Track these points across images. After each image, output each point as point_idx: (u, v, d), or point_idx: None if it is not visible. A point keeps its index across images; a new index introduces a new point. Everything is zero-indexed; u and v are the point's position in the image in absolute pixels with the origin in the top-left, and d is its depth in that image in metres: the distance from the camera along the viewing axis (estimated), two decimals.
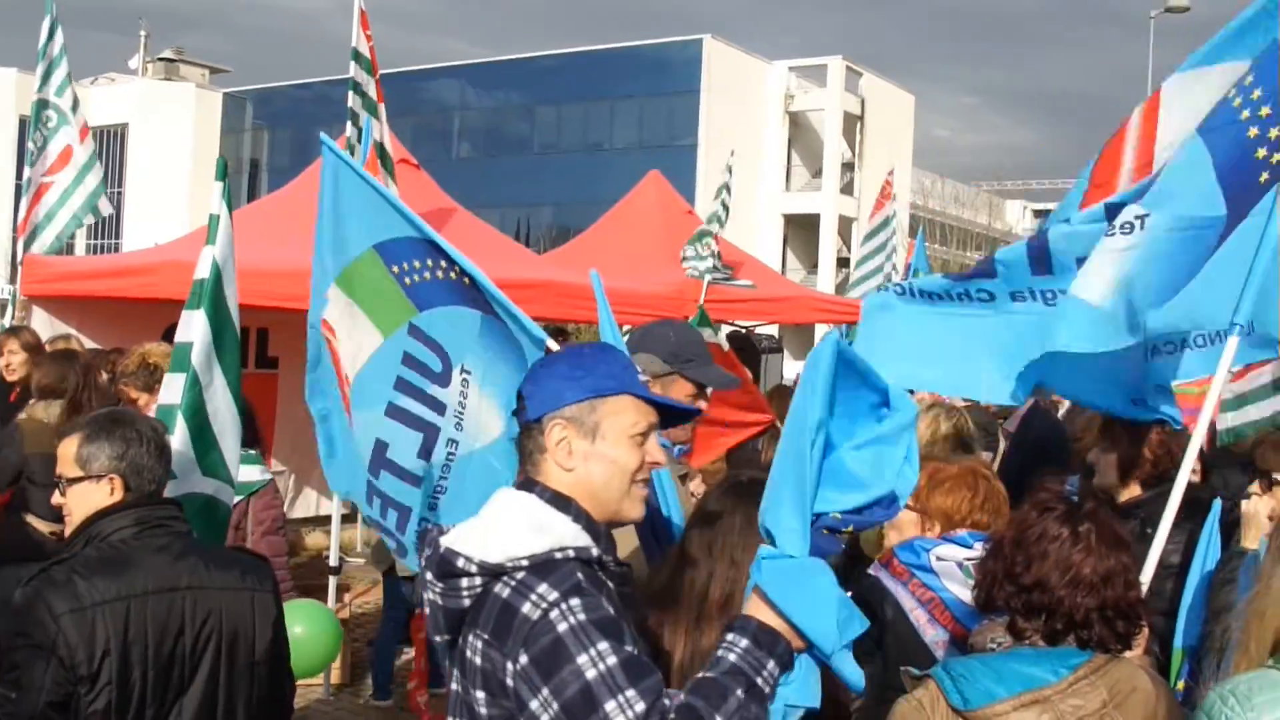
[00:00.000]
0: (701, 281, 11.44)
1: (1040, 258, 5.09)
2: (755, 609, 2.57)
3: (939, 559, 4.11)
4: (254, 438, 6.85)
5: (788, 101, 60.08)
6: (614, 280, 11.18)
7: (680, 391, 4.52)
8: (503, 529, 2.63)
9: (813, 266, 59.29)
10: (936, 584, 4.10)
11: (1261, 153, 4.64)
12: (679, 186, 15.55)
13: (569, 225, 43.55)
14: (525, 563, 2.54)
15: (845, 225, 58.40)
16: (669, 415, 2.93)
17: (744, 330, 14.51)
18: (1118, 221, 4.72)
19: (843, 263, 57.96)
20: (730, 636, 2.57)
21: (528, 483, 2.76)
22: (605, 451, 2.74)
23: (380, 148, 8.95)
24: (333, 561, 9.50)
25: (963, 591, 3.96)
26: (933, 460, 4.40)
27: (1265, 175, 4.63)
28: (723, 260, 11.70)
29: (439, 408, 4.42)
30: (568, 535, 2.63)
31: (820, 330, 27.67)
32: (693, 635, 3.05)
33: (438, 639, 2.71)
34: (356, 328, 4.56)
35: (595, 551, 2.64)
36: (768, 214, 58.77)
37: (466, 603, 2.60)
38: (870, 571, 4.45)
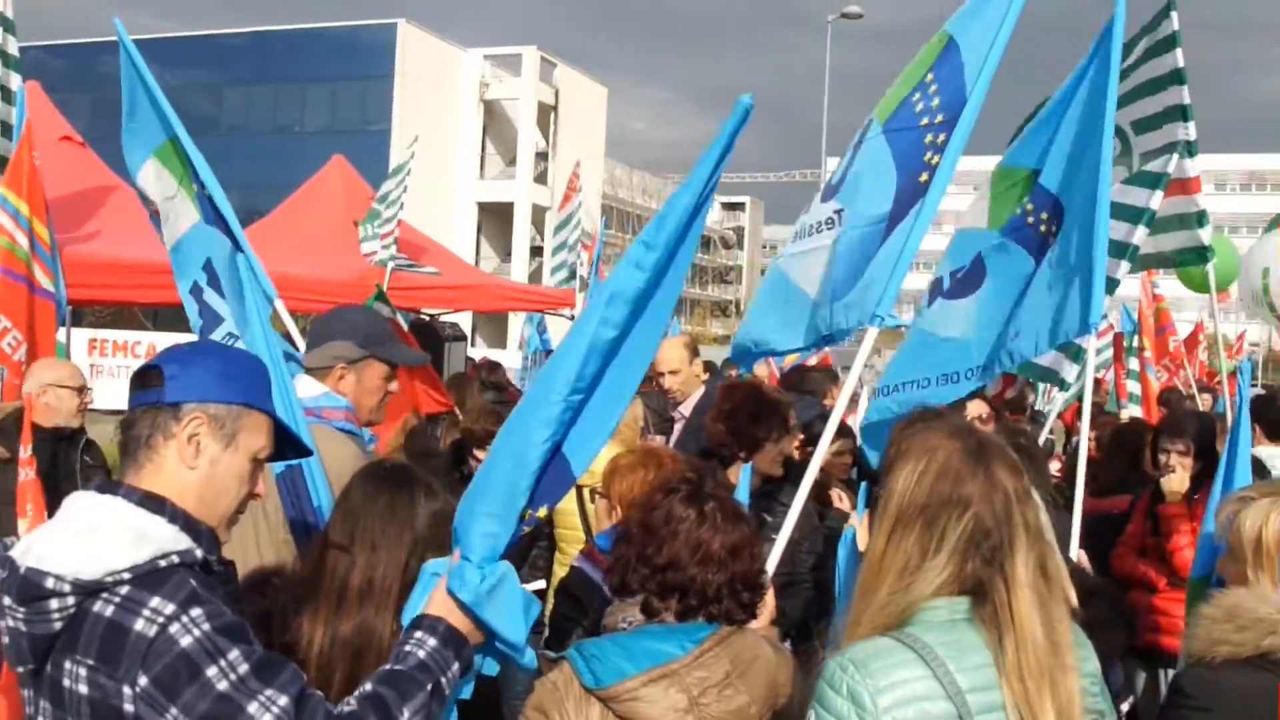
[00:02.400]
0: (384, 269, 11.35)
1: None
2: (445, 610, 2.59)
3: None
4: None
5: (483, 90, 59.87)
6: (296, 266, 10.98)
7: (375, 374, 4.52)
8: (96, 540, 2.39)
9: (506, 255, 59.38)
10: None
11: (928, 155, 4.87)
12: (371, 173, 15.33)
13: (257, 209, 42.06)
14: (127, 575, 2.34)
15: (539, 214, 58.70)
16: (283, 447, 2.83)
17: (428, 318, 14.43)
18: (823, 217, 4.95)
19: (536, 251, 58.39)
20: (419, 634, 2.57)
21: (109, 485, 2.56)
22: (232, 464, 2.62)
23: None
24: None
25: None
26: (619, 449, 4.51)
27: (925, 176, 4.85)
28: (404, 247, 11.65)
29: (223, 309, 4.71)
30: (168, 540, 2.44)
31: (514, 319, 27.73)
32: (333, 623, 3.03)
33: (20, 669, 2.45)
34: (175, 203, 4.94)
35: (199, 553, 2.49)
36: (462, 202, 58.46)
37: (57, 626, 2.36)
38: (575, 563, 4.54)
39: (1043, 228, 5.72)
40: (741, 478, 4.59)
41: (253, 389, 2.68)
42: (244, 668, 2.32)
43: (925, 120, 4.87)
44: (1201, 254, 8.43)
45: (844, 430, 7.04)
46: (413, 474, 3.27)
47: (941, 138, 4.84)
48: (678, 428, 7.80)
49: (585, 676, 3.08)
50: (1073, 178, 5.64)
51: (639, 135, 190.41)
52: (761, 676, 3.16)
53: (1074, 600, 2.67)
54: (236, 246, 4.64)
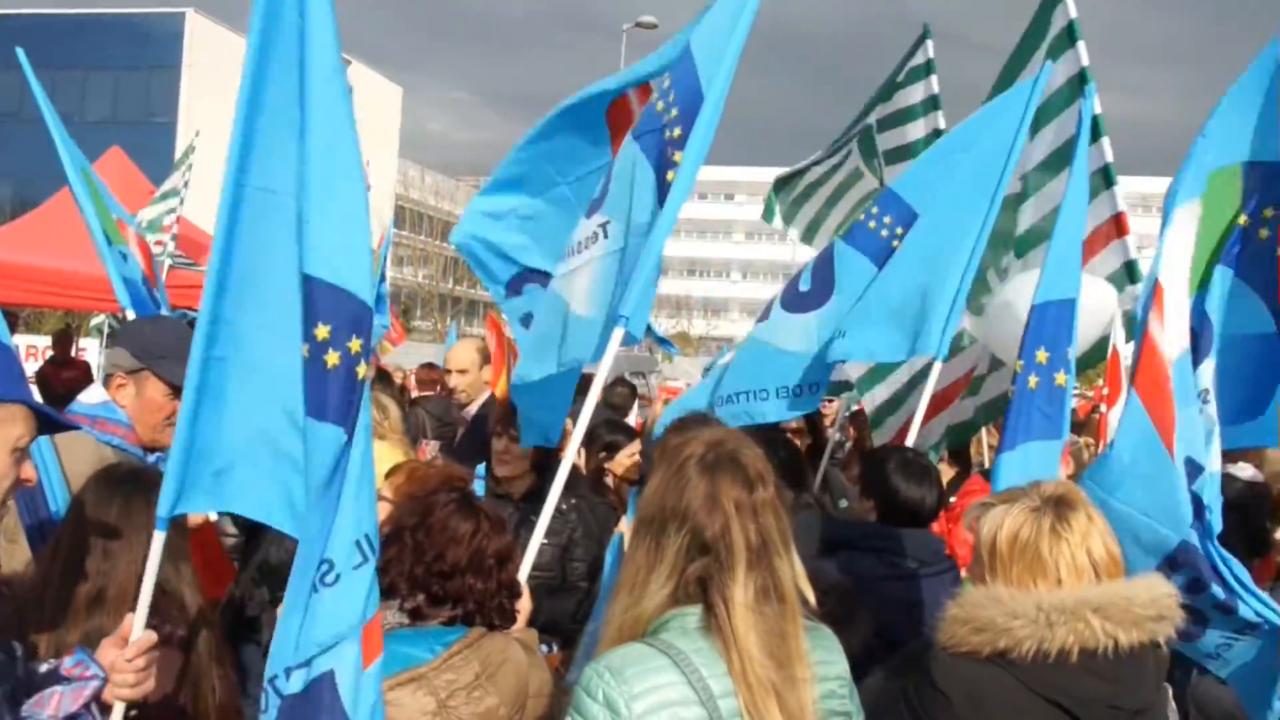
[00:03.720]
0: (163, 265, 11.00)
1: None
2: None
3: None
4: None
5: None
6: (66, 261, 10.55)
7: (155, 389, 4.30)
8: None
9: None
10: None
11: (675, 154, 4.80)
12: (155, 166, 14.83)
13: (33, 201, 40.14)
14: None
15: None
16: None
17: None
18: (589, 234, 4.90)
19: None
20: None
21: None
22: None
23: None
24: None
25: None
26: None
27: (671, 174, 4.79)
28: (183, 244, 11.32)
29: None
30: None
31: None
32: (59, 633, 2.95)
33: None
34: None
35: None
36: None
37: None
38: None
39: (884, 232, 5.86)
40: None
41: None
42: None
43: (666, 118, 4.84)
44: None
45: (634, 433, 7.13)
46: (148, 476, 3.20)
47: (678, 132, 4.81)
48: (461, 430, 7.81)
49: None
50: (937, 193, 5.80)
51: (438, 137, 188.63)
52: (511, 679, 3.20)
53: (812, 602, 2.75)
54: None
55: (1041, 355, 4.63)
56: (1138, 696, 3.08)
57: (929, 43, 8.40)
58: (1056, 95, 6.86)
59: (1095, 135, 6.63)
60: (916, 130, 8.43)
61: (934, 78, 8.35)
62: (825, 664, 2.79)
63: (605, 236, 4.87)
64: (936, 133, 8.13)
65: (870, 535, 4.78)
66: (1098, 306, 6.29)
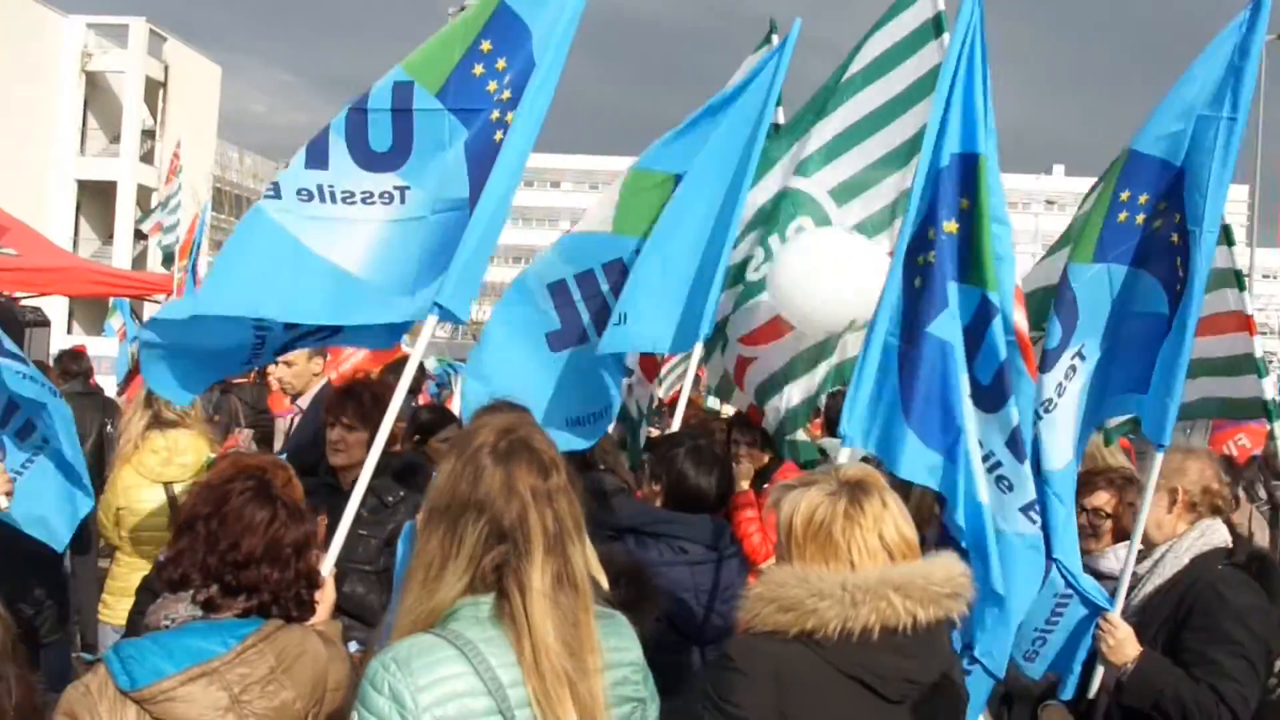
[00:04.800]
0: None
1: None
2: None
3: None
4: None
5: (85, 60, 56.21)
6: None
7: None
8: None
9: (109, 237, 56.06)
10: None
11: (498, 135, 4.78)
12: None
13: None
14: None
15: (145, 195, 55.60)
16: None
17: (3, 299, 13.44)
18: (375, 189, 4.73)
19: (143, 234, 55.48)
20: None
21: None
22: None
23: None
24: None
25: None
26: None
27: (495, 157, 4.75)
28: None
29: None
30: None
31: (115, 304, 26.48)
32: None
33: None
34: None
35: None
36: (59, 179, 54.72)
37: None
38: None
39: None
40: None
41: None
42: None
43: (497, 98, 4.78)
44: None
45: (452, 417, 7.09)
46: None
47: (509, 115, 4.77)
48: (296, 419, 7.69)
49: (120, 678, 2.99)
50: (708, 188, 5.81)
51: (259, 118, 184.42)
52: (309, 672, 3.16)
53: (605, 586, 2.77)
54: None
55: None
56: (933, 670, 3.21)
57: (775, 38, 8.39)
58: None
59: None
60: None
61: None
62: (619, 650, 2.82)
63: (402, 202, 4.73)
64: (775, 127, 8.12)
65: (657, 521, 4.79)
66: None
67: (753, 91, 6.01)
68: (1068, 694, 4.72)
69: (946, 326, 4.45)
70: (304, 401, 7.61)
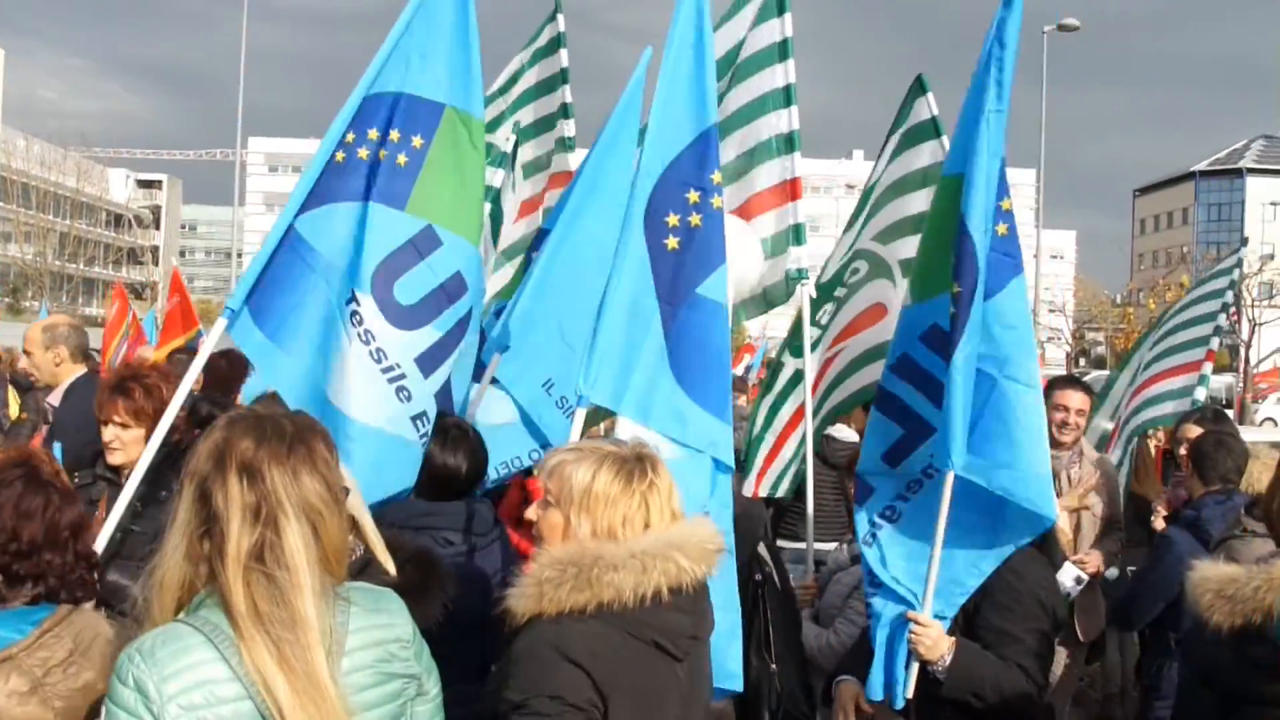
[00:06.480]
0: None
1: None
2: None
3: None
4: None
5: None
6: None
7: None
8: None
9: None
10: None
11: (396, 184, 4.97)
12: None
13: None
14: None
15: None
16: None
17: None
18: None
19: None
20: None
21: None
22: None
23: None
24: None
25: None
26: None
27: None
28: None
29: None
30: None
31: None
32: None
33: None
34: None
35: None
36: None
37: None
38: None
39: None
40: None
41: None
42: None
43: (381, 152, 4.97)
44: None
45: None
46: None
47: (402, 158, 5.06)
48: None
49: None
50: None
51: (50, 105, 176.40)
52: (105, 652, 3.21)
53: (391, 571, 3.03)
54: None
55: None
56: (707, 624, 3.40)
57: (560, 17, 8.42)
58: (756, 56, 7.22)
59: (787, 101, 7.11)
60: (550, 105, 8.52)
61: (564, 52, 8.39)
62: (384, 627, 2.80)
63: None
64: (564, 107, 8.31)
65: (417, 514, 4.66)
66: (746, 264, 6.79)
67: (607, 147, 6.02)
68: (899, 704, 4.60)
69: (716, 288, 4.65)
70: (55, 397, 7.29)
